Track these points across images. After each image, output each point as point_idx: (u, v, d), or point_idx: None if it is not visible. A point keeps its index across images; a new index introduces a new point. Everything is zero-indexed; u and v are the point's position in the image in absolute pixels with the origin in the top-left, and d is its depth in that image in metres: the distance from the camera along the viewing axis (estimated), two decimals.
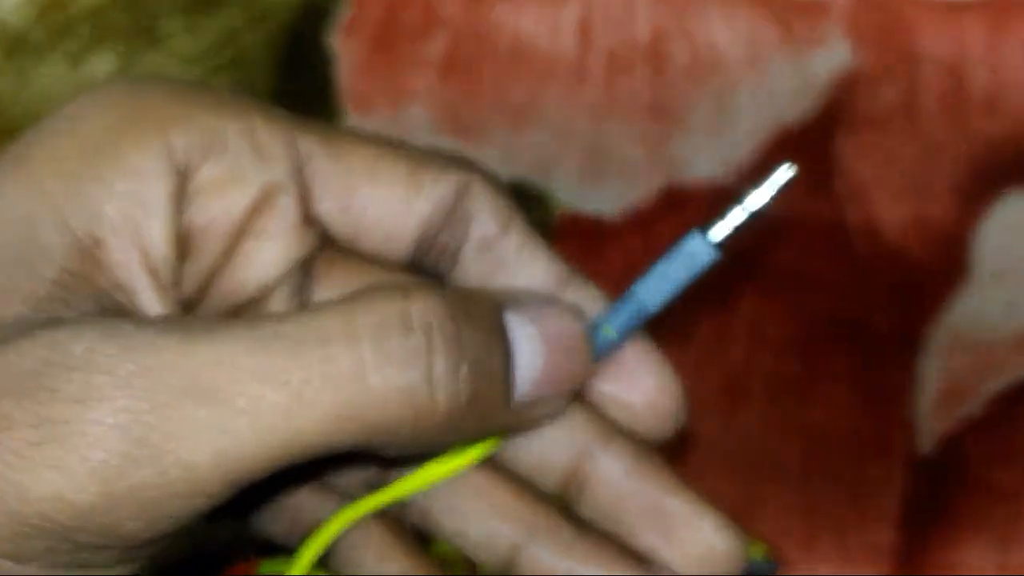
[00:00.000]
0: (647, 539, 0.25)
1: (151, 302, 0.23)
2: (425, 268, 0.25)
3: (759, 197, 0.25)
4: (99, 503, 0.20)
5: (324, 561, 0.26)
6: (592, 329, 0.24)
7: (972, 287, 0.43)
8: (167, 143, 0.23)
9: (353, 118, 0.45)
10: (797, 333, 0.44)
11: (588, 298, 0.25)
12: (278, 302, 0.25)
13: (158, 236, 0.23)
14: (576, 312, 0.24)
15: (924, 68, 0.43)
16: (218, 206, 0.24)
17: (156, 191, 0.23)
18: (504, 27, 0.44)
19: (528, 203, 0.44)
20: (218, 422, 0.20)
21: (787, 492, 0.43)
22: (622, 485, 0.25)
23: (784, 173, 0.24)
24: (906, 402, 0.43)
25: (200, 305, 0.25)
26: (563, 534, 0.25)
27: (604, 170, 0.44)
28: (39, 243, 0.22)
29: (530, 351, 0.23)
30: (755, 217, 0.25)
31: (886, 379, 0.43)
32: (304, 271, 0.25)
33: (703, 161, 0.44)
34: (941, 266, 0.43)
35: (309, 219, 0.24)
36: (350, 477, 0.27)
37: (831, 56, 0.43)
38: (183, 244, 0.24)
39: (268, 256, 0.24)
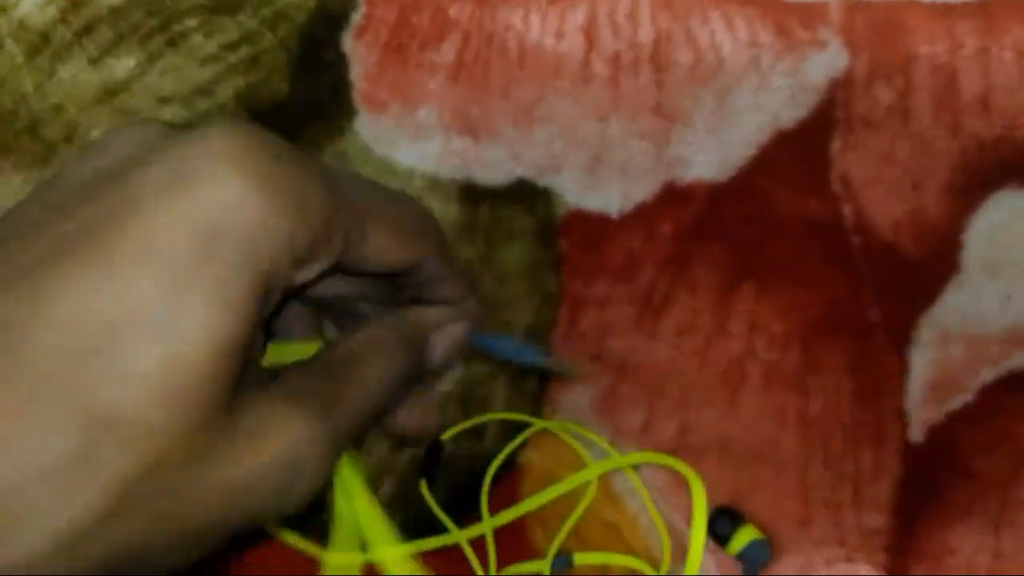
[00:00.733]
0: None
1: None
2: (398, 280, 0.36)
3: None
4: None
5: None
6: (472, 334, 0.37)
7: (963, 282, 0.43)
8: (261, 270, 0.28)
9: (366, 117, 0.45)
10: (794, 326, 0.44)
11: (474, 302, 0.38)
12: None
13: None
14: (467, 316, 0.37)
15: (917, 69, 0.43)
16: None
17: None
18: (512, 30, 0.44)
19: (535, 200, 0.44)
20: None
21: (783, 479, 0.44)
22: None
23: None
24: (899, 392, 0.43)
25: None
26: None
27: (608, 169, 0.44)
28: None
29: (440, 350, 0.36)
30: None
31: (880, 370, 0.43)
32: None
33: (703, 160, 0.44)
34: (933, 261, 0.43)
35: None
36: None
37: (827, 58, 0.43)
38: None
39: None
